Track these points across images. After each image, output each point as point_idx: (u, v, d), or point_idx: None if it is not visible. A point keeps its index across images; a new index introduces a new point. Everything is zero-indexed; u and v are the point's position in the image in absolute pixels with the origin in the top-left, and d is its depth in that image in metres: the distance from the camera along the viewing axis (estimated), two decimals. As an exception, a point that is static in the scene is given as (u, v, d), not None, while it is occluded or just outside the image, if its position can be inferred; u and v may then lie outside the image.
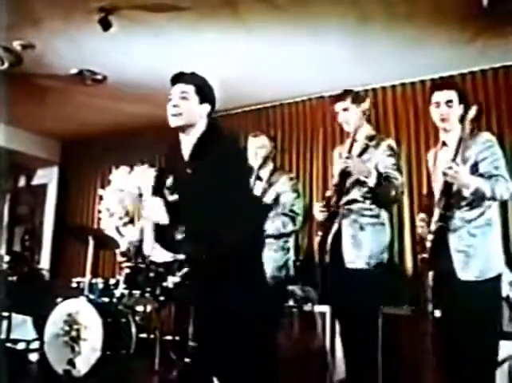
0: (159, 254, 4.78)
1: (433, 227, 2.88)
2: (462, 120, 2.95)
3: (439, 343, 3.06)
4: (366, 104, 3.49)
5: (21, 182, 7.79)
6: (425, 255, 2.89)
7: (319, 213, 3.38)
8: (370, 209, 3.33)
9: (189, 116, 2.57)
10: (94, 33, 4.34)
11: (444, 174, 2.78)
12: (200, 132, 2.59)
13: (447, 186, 2.86)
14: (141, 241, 5.17)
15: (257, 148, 3.98)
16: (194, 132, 2.59)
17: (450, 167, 2.75)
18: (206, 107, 2.62)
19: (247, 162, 2.77)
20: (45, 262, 7.29)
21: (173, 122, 2.58)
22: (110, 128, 6.72)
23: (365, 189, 3.30)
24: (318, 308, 4.16)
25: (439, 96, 2.99)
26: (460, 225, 2.84)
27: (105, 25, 4.21)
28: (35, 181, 7.80)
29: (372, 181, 3.21)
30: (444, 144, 3.03)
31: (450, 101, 2.95)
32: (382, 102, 5.37)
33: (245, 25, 4.37)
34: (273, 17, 4.26)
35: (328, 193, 3.44)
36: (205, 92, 2.62)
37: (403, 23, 4.29)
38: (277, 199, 3.92)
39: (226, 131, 2.80)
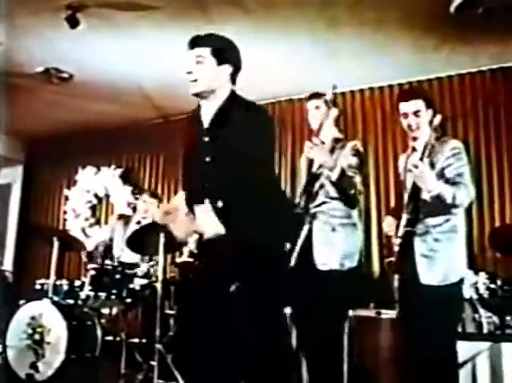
0: (127, 256, 4.74)
1: (401, 231, 2.92)
2: (431, 124, 3.01)
3: (403, 345, 3.09)
4: (336, 109, 3.53)
5: (-15, 181, 7.63)
6: (392, 259, 2.93)
7: None
8: (341, 210, 3.36)
9: (206, 81, 2.36)
10: (61, 30, 4.27)
11: (410, 171, 2.82)
12: (223, 98, 2.40)
13: (416, 190, 2.90)
14: (110, 242, 5.10)
15: None
16: (216, 97, 2.40)
17: (416, 166, 2.78)
18: (227, 68, 2.39)
19: (273, 133, 2.50)
20: (8, 264, 7.15)
21: (191, 89, 2.39)
22: (77, 128, 6.62)
23: (329, 187, 3.32)
24: (286, 310, 4.16)
25: (407, 107, 3.01)
26: (426, 230, 2.89)
27: (73, 22, 4.15)
28: (-1, 180, 7.65)
29: (334, 175, 3.24)
30: (414, 149, 3.08)
31: (418, 111, 2.99)
32: (350, 106, 5.43)
33: (215, 26, 4.34)
34: (244, 20, 4.26)
35: (297, 199, 3.45)
36: (224, 53, 2.40)
37: (372, 29, 4.35)
38: None
39: (259, 106, 2.54)
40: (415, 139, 3.04)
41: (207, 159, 2.35)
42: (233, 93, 2.43)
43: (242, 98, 2.45)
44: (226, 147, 2.30)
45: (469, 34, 4.36)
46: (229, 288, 2.29)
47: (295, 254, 3.33)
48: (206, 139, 2.38)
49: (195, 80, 2.36)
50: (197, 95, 2.41)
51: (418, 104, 3.00)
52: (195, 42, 2.41)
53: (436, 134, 2.86)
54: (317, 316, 3.20)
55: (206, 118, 2.42)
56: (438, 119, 2.84)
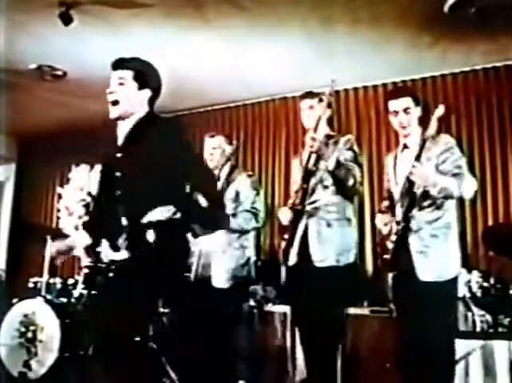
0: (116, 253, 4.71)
1: (395, 228, 2.92)
2: (421, 121, 3.03)
3: (398, 343, 3.10)
4: (330, 110, 3.52)
5: (-23, 179, 7.59)
6: (387, 256, 2.93)
7: (285, 216, 3.37)
8: (336, 205, 3.33)
9: (126, 104, 2.47)
10: (55, 27, 4.25)
11: (410, 173, 2.83)
12: (138, 117, 2.50)
13: (411, 186, 2.91)
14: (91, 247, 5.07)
15: (212, 148, 3.95)
16: (133, 118, 2.50)
17: (414, 167, 2.80)
18: (147, 92, 2.52)
19: (188, 151, 2.57)
20: (1, 262, 7.11)
21: (112, 113, 2.49)
22: (70, 125, 6.58)
23: (327, 178, 3.30)
24: (279, 308, 4.16)
25: (396, 104, 3.04)
26: (421, 226, 2.89)
27: (66, 19, 4.13)
28: (-9, 179, 7.61)
29: (331, 164, 3.21)
30: (405, 146, 3.08)
31: (408, 108, 3.02)
32: (344, 104, 5.43)
33: (209, 24, 4.35)
34: (238, 18, 4.25)
35: (293, 198, 3.44)
36: (145, 78, 2.51)
37: (366, 27, 4.34)
38: (237, 197, 3.89)
39: (171, 120, 2.72)
40: (406, 136, 3.06)
41: (118, 173, 2.51)
42: (149, 113, 2.52)
43: (158, 117, 2.57)
44: (138, 163, 2.39)
45: (462, 33, 4.36)
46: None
47: (294, 252, 3.33)
48: (119, 155, 2.51)
49: (116, 102, 2.45)
50: (116, 119, 2.50)
51: (407, 101, 3.03)
52: (119, 64, 2.50)
53: (437, 125, 2.87)
54: (315, 313, 3.17)
55: (121, 136, 2.53)
56: (441, 110, 2.86)
